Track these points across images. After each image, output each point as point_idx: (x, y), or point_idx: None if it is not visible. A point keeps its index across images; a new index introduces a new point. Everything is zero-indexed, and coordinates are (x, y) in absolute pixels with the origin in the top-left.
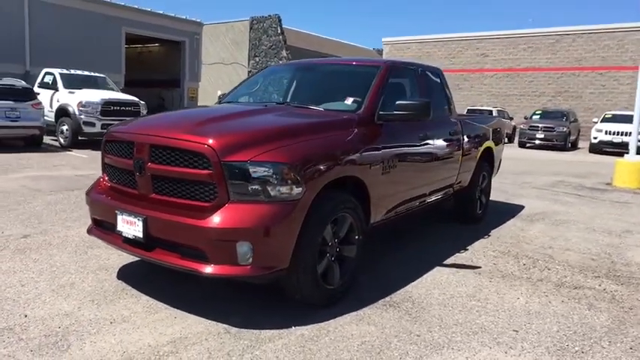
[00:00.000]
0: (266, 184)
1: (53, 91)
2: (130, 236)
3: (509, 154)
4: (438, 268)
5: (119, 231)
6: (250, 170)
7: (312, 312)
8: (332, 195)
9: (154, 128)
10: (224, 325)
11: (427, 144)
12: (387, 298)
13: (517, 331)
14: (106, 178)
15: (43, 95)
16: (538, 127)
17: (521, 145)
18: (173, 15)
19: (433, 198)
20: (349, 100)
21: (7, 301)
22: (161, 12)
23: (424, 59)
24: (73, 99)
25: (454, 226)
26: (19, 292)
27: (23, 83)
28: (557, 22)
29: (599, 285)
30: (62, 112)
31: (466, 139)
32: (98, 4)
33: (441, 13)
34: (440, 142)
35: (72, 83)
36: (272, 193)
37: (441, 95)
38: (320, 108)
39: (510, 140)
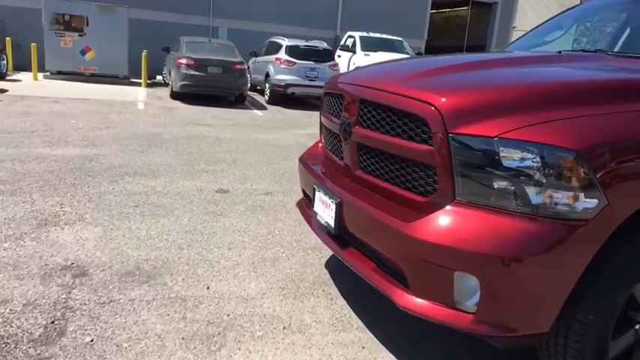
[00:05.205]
0: (525, 181)
1: (352, 53)
2: (322, 222)
3: None
4: None
5: (315, 212)
6: (499, 154)
7: None
8: None
9: (371, 77)
10: None
11: None
12: None
13: None
14: (322, 142)
15: (344, 57)
16: None
17: None
18: None
19: None
20: None
21: (204, 264)
22: None
23: None
24: (366, 63)
25: None
26: (220, 257)
27: (324, 45)
28: None
29: None
30: None
31: None
32: None
33: None
34: None
35: (369, 46)
36: (534, 200)
37: None
38: None
39: None
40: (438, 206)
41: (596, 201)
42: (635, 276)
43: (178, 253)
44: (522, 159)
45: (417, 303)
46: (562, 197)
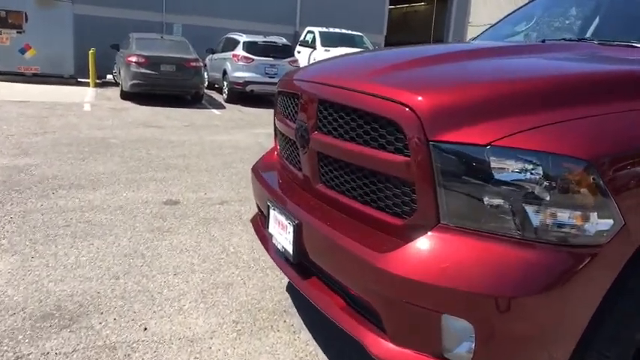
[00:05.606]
0: (525, 199)
1: (312, 49)
2: (279, 246)
3: None
4: None
5: (270, 233)
6: (492, 166)
7: None
8: None
9: (331, 73)
10: None
11: None
12: None
13: None
14: (278, 149)
15: (304, 53)
16: None
17: None
18: None
19: None
20: None
21: (143, 297)
22: None
23: None
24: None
25: None
26: (163, 285)
27: (284, 40)
28: None
29: None
30: None
31: None
32: None
33: None
34: None
35: (329, 41)
36: (536, 223)
37: None
38: None
39: None
40: (419, 231)
41: (611, 221)
42: None
43: (113, 284)
44: (521, 172)
45: (395, 352)
46: (570, 218)
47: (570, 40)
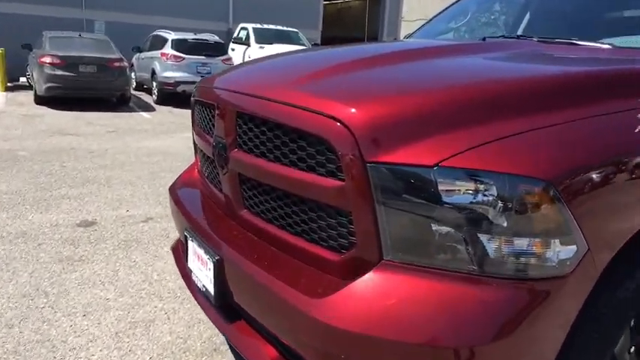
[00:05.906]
0: (477, 227)
1: (246, 46)
2: (199, 285)
3: None
4: None
5: (189, 268)
6: (441, 190)
7: None
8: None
9: (251, 80)
10: None
11: None
12: None
13: None
14: (198, 166)
15: (238, 51)
16: None
17: None
18: None
19: None
20: None
21: (42, 349)
22: None
23: None
24: (261, 55)
25: None
26: (69, 331)
27: (216, 38)
28: None
29: None
30: None
31: None
32: None
33: None
34: None
35: (264, 38)
36: (493, 254)
37: None
38: (603, 44)
39: None
40: (359, 268)
41: (574, 247)
42: (617, 333)
43: (4, 335)
44: (473, 196)
45: None
46: (530, 246)
47: (510, 37)
